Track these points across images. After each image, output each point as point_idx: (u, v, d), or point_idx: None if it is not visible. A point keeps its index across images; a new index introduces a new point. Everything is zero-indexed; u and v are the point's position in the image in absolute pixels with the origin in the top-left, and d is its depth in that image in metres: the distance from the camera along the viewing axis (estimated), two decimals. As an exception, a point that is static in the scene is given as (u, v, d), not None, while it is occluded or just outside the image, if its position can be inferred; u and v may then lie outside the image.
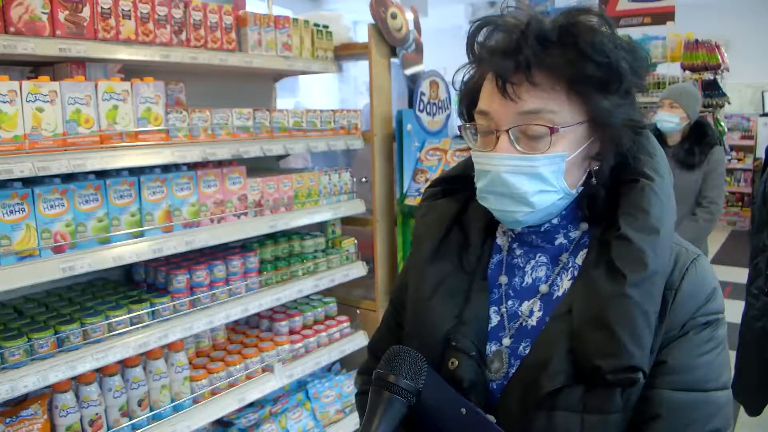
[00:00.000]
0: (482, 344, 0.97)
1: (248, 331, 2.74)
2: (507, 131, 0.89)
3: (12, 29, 1.74)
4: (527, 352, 0.93)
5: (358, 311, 3.07)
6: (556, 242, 0.98)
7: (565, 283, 0.96)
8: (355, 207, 2.93)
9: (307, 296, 2.93)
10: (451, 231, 1.04)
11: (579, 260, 0.96)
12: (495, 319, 0.99)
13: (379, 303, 3.09)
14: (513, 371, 0.94)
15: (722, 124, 7.23)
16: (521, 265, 1.01)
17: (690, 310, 0.89)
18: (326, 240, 2.99)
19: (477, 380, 0.94)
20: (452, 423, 0.89)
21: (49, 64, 2.10)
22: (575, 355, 0.86)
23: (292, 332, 2.74)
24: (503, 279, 1.01)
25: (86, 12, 1.90)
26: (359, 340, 2.96)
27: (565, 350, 0.87)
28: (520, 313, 0.97)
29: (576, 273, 0.95)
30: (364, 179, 3.11)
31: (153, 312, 2.11)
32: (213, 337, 2.59)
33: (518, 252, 1.02)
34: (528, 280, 0.99)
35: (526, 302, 0.98)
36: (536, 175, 0.89)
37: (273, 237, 2.78)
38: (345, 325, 2.94)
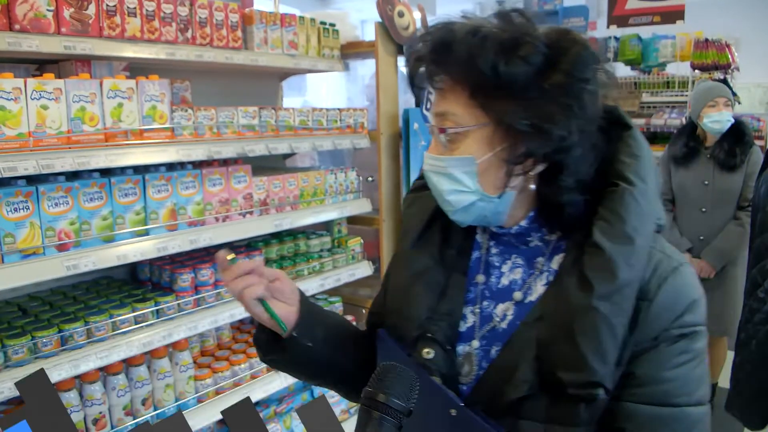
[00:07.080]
0: (453, 341, 0.97)
1: (253, 331, 2.72)
2: (432, 131, 0.93)
3: (17, 26, 1.74)
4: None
5: (363, 311, 3.05)
6: (531, 244, 0.96)
7: (539, 288, 0.94)
8: (361, 206, 2.91)
9: (313, 296, 2.92)
10: (433, 224, 1.04)
11: (555, 265, 0.94)
12: (470, 319, 0.98)
13: (385, 303, 3.06)
14: (482, 374, 0.93)
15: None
16: (497, 264, 0.99)
17: (665, 322, 0.85)
18: (332, 239, 2.97)
19: (449, 375, 0.94)
20: (438, 424, 0.87)
21: (54, 62, 2.09)
22: (540, 365, 0.85)
23: (297, 332, 2.72)
24: (480, 278, 1.00)
25: (91, 9, 1.89)
26: (365, 340, 2.94)
27: (532, 358, 0.86)
28: (494, 316, 0.96)
29: (551, 278, 0.93)
30: (370, 178, 3.09)
31: (157, 311, 2.11)
32: (218, 336, 2.58)
33: (494, 251, 1.01)
34: (504, 281, 0.98)
35: (500, 305, 0.96)
36: (449, 176, 0.90)
37: (278, 236, 2.77)
38: (350, 324, 2.92)
